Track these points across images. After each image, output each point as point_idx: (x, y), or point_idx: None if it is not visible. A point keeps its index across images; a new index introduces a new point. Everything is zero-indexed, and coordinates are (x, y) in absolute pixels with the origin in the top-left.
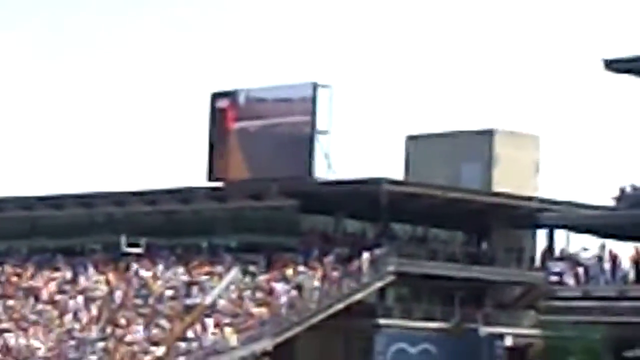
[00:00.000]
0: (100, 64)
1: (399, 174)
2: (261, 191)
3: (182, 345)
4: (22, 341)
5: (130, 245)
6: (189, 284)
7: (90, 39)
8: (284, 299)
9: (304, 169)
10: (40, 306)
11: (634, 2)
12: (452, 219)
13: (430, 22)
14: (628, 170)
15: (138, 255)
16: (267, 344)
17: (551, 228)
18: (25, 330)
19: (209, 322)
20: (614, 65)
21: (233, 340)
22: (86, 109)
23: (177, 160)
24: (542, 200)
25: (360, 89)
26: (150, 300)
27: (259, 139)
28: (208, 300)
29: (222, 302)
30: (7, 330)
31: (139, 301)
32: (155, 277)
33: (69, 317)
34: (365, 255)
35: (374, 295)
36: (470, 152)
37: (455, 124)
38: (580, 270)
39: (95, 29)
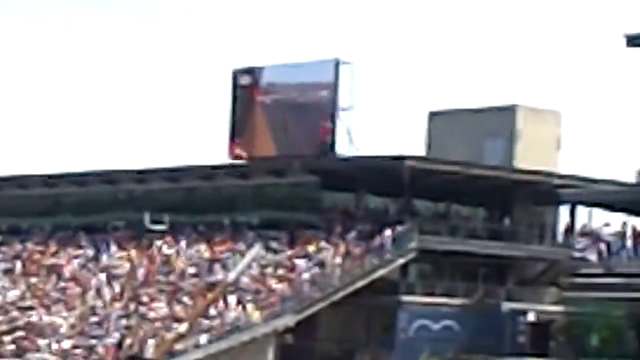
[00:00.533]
0: (124, 42)
1: (420, 150)
2: (283, 168)
3: (205, 322)
4: (46, 318)
5: (154, 222)
6: (211, 261)
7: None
8: (306, 276)
9: (326, 145)
10: (62, 283)
11: None
12: (474, 195)
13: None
14: None
15: (161, 232)
16: (289, 321)
17: (573, 204)
18: (48, 307)
19: (231, 299)
20: (636, 41)
21: (255, 316)
22: (109, 86)
23: (200, 137)
24: (564, 177)
25: (382, 65)
26: (173, 277)
27: (282, 115)
28: (230, 277)
29: (244, 279)
30: (31, 308)
31: (161, 278)
32: (177, 254)
33: (91, 294)
34: (388, 231)
35: (396, 272)
36: (492, 128)
37: (477, 100)
38: (603, 246)
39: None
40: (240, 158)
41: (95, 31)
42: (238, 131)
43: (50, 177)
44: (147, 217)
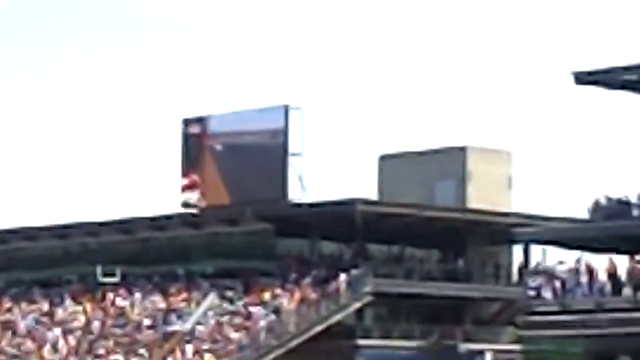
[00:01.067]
0: (69, 93)
1: (372, 194)
2: (236, 216)
3: None
4: None
5: (106, 275)
6: (167, 312)
7: (61, 65)
8: (262, 323)
9: (278, 192)
10: (18, 339)
11: (601, 16)
12: (428, 237)
13: (399, 42)
14: (601, 182)
15: (114, 284)
16: None
17: (526, 243)
18: None
19: (189, 348)
20: (584, 79)
21: None
22: (56, 139)
23: (151, 188)
24: (517, 215)
25: (331, 110)
26: (129, 329)
27: (233, 163)
28: (186, 327)
29: (200, 329)
30: None
31: (117, 330)
32: (132, 306)
33: (47, 348)
34: (342, 276)
35: (352, 316)
36: (443, 170)
37: (427, 142)
38: (557, 284)
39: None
40: (191, 205)
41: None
42: (188, 179)
43: (2, 232)
44: (99, 270)
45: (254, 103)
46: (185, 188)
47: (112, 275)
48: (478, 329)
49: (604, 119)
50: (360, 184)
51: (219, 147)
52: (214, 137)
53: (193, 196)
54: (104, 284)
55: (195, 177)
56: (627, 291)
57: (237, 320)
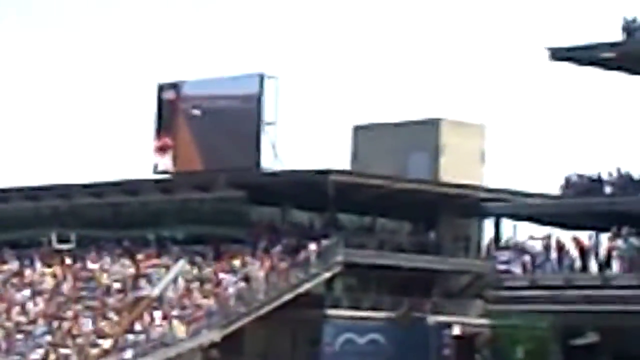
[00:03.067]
0: (46, 57)
1: (345, 165)
2: (208, 182)
3: (130, 337)
4: None
5: (61, 241)
6: (136, 277)
7: (36, 29)
8: (231, 291)
9: (251, 160)
10: None
11: None
12: (399, 209)
13: (375, 12)
14: (573, 158)
15: (70, 250)
16: (215, 336)
17: (497, 217)
18: None
19: (157, 314)
20: (559, 54)
21: (181, 332)
22: (31, 101)
23: (124, 153)
24: (489, 190)
25: (307, 80)
26: (98, 293)
27: (207, 129)
28: (155, 292)
29: (169, 294)
30: None
31: (86, 294)
32: (102, 270)
33: (16, 310)
34: (313, 246)
35: (321, 286)
36: (417, 142)
37: (401, 114)
38: (527, 259)
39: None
40: (163, 171)
41: (18, 40)
42: (161, 145)
43: None
44: (53, 236)
45: (229, 71)
46: (157, 150)
47: (67, 241)
48: (447, 301)
49: (579, 96)
50: (333, 154)
51: (192, 112)
52: (188, 102)
53: (165, 160)
54: (60, 250)
55: (167, 140)
56: (594, 268)
57: (207, 286)
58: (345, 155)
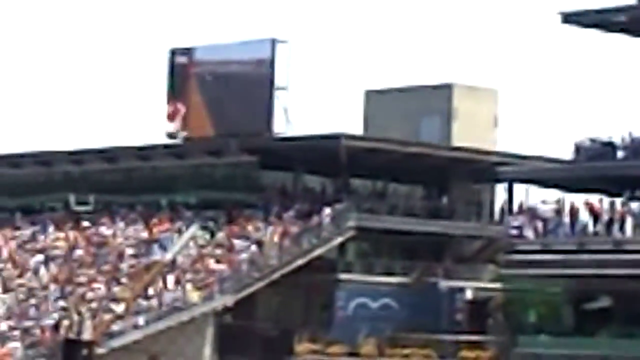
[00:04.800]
0: (60, 21)
1: (358, 129)
2: (220, 147)
3: (143, 302)
4: None
5: (80, 203)
6: (149, 242)
7: None
8: (244, 255)
9: (263, 125)
10: (0, 265)
11: None
12: (412, 174)
13: None
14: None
15: (89, 212)
16: (227, 301)
17: (510, 182)
18: None
19: (170, 279)
20: (571, 18)
21: (194, 296)
22: (43, 66)
23: (137, 118)
24: (501, 154)
25: (319, 44)
26: (111, 258)
27: (219, 94)
28: (168, 257)
29: (182, 259)
30: None
31: (99, 259)
32: (115, 235)
33: (29, 275)
34: (325, 210)
35: (334, 251)
36: (429, 107)
37: (413, 78)
38: (539, 223)
39: None
40: (175, 136)
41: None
42: (174, 110)
43: None
44: (72, 198)
45: (242, 36)
46: (169, 116)
47: (86, 203)
48: (459, 266)
49: (591, 60)
50: (345, 118)
51: (204, 77)
52: (200, 67)
53: (177, 124)
54: (79, 212)
55: (179, 105)
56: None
57: (219, 251)
58: (357, 120)
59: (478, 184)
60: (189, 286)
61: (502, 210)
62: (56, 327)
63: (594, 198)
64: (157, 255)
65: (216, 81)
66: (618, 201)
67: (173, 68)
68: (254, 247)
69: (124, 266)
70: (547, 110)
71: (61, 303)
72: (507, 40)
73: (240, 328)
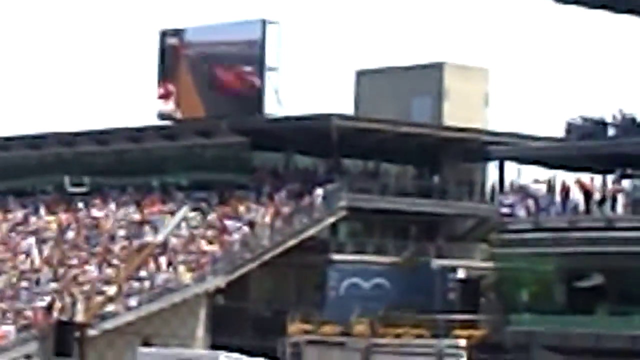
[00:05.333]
0: (50, 3)
1: (349, 109)
2: (211, 129)
3: (135, 284)
4: None
5: (75, 184)
6: (141, 223)
7: None
8: (236, 236)
9: (254, 106)
10: None
11: None
12: (403, 153)
13: None
14: (577, 101)
15: (84, 194)
16: (220, 281)
17: (501, 160)
18: None
19: (162, 260)
20: None
21: (186, 278)
22: (34, 49)
23: (127, 100)
24: (492, 133)
25: (309, 25)
26: (102, 240)
27: (209, 75)
28: (159, 238)
29: (174, 241)
30: None
31: (91, 241)
32: (106, 217)
33: (21, 258)
34: (317, 190)
35: (326, 231)
36: (420, 86)
37: (404, 58)
38: (531, 202)
39: None
40: (167, 117)
41: None
42: (165, 91)
43: None
44: (67, 180)
45: (232, 17)
46: (161, 97)
47: (81, 185)
48: (451, 245)
49: (583, 38)
50: (336, 99)
51: (194, 55)
52: (190, 48)
53: (168, 106)
54: (73, 193)
55: (170, 86)
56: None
57: (211, 232)
58: (348, 100)
59: (469, 163)
60: (181, 268)
61: (494, 189)
62: (48, 309)
63: (585, 176)
64: (148, 236)
65: (206, 60)
66: (609, 179)
67: (164, 50)
68: (245, 228)
69: (115, 248)
70: (538, 89)
71: (53, 285)
72: (498, 18)
73: (232, 309)
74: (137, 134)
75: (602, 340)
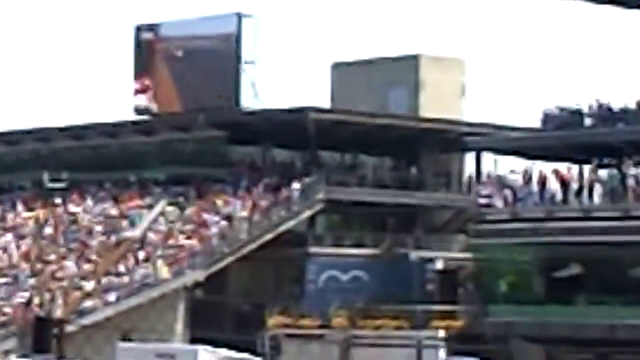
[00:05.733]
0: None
1: (325, 102)
2: (188, 123)
3: (114, 279)
4: None
5: (54, 180)
6: (119, 218)
7: None
8: (214, 230)
9: (231, 99)
10: None
11: None
12: (380, 145)
13: None
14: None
15: (62, 189)
16: (198, 276)
17: (478, 151)
18: None
19: (140, 255)
20: None
21: (165, 272)
22: (8, 44)
23: (103, 95)
24: (469, 124)
25: (285, 18)
26: (80, 235)
27: (185, 70)
28: (137, 233)
29: (152, 236)
30: None
31: (69, 236)
32: (84, 212)
33: None
34: (295, 184)
35: (304, 224)
36: (396, 78)
37: (379, 50)
38: (508, 192)
39: None
40: (143, 111)
41: None
42: (141, 86)
43: None
44: (46, 176)
45: (207, 11)
46: (137, 92)
47: (60, 180)
48: (429, 236)
49: (558, 28)
50: (313, 92)
51: (171, 52)
52: (166, 42)
53: (145, 100)
54: (52, 189)
55: (147, 81)
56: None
57: (189, 226)
58: (325, 92)
59: (447, 154)
60: (159, 262)
61: (471, 180)
62: (27, 305)
63: (562, 166)
64: (126, 231)
65: (182, 55)
66: (586, 169)
67: (139, 44)
68: (223, 222)
69: (93, 243)
70: (514, 80)
71: (31, 281)
72: (473, 9)
73: (211, 303)
74: (114, 129)
75: (581, 329)
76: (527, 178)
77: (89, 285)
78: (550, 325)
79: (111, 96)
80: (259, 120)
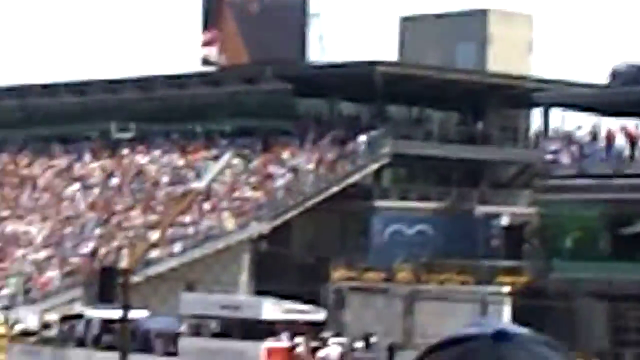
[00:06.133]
0: None
1: (393, 56)
2: (255, 75)
3: (179, 230)
4: (20, 228)
5: (121, 130)
6: (185, 169)
7: None
8: (279, 183)
9: (297, 52)
10: (37, 194)
11: None
12: (447, 100)
13: None
14: (621, 48)
15: (129, 140)
16: (263, 228)
17: (546, 107)
18: (21, 217)
19: (206, 206)
20: None
21: (230, 224)
22: None
23: (171, 46)
24: (537, 80)
25: None
26: (146, 186)
27: (253, 22)
28: (203, 184)
29: (218, 187)
30: (4, 218)
31: (135, 187)
32: (151, 163)
33: (65, 204)
34: (361, 137)
35: (369, 177)
36: (464, 33)
37: (448, 4)
38: (575, 148)
39: None
40: (211, 62)
41: None
42: (210, 38)
43: (20, 88)
44: (113, 126)
45: None
46: (205, 43)
47: (127, 131)
48: (495, 192)
49: None
50: (380, 45)
51: (239, 5)
52: None
53: (212, 52)
54: (119, 139)
55: (215, 33)
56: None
57: (255, 179)
58: (392, 46)
59: (513, 109)
60: (224, 214)
61: (538, 135)
62: (93, 255)
63: (630, 123)
64: (192, 183)
65: (250, 9)
66: None
67: None
68: (289, 175)
69: (159, 194)
70: (582, 35)
71: (97, 231)
72: None
73: (276, 255)
74: (181, 81)
75: None
76: (595, 134)
77: (155, 236)
78: (615, 282)
79: (179, 48)
80: (326, 73)
